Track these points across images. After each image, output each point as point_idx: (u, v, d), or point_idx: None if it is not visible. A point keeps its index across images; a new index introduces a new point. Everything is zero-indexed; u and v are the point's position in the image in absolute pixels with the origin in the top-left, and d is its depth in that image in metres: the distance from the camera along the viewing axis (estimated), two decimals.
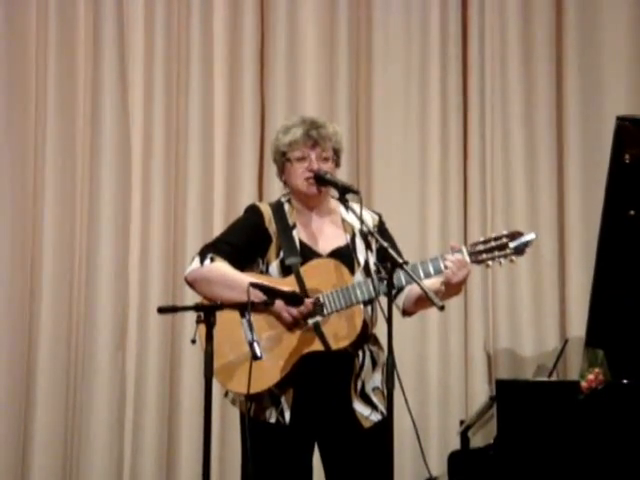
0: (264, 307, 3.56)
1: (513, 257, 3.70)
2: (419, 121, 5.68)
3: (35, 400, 5.43)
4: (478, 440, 4.52)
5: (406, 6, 5.74)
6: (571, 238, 5.59)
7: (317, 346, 3.65)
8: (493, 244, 3.70)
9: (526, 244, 3.70)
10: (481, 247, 3.70)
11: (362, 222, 3.68)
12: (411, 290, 3.79)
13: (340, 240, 3.80)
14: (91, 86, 5.60)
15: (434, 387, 5.52)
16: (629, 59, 5.68)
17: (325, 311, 3.64)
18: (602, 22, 5.69)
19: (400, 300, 3.82)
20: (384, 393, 3.61)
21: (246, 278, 3.61)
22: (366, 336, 3.73)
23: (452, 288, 3.69)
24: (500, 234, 3.72)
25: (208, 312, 3.45)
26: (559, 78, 5.70)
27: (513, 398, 4.11)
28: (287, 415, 3.69)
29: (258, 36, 5.70)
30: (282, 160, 3.81)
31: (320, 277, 3.68)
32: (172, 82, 5.66)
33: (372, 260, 3.77)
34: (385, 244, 3.59)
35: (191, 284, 3.78)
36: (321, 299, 3.65)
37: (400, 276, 3.61)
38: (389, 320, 3.40)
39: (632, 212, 4.45)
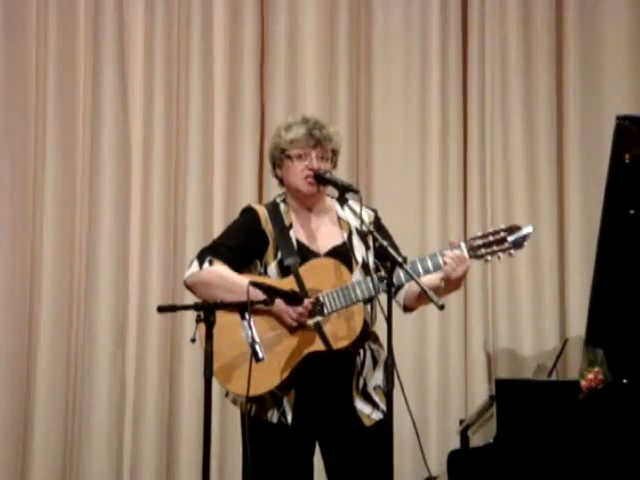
0: (264, 306, 3.55)
1: (512, 251, 3.69)
2: (419, 121, 5.68)
3: (35, 399, 5.43)
4: (478, 439, 4.52)
5: (406, 6, 5.74)
6: (571, 237, 5.59)
7: (318, 346, 3.64)
8: (491, 239, 3.69)
9: (524, 238, 3.69)
10: (479, 242, 3.69)
11: (362, 222, 3.68)
12: (411, 286, 3.77)
13: (337, 238, 3.79)
14: (91, 86, 5.61)
15: (434, 386, 5.52)
16: (629, 59, 5.68)
17: (325, 311, 3.64)
18: (602, 22, 5.70)
19: (400, 296, 3.81)
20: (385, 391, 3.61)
21: (245, 280, 3.59)
22: (366, 334, 3.73)
23: (451, 284, 3.69)
24: (498, 228, 3.71)
25: (208, 311, 3.44)
26: (559, 77, 5.71)
27: (513, 397, 4.11)
28: (289, 415, 3.69)
29: (258, 36, 5.71)
30: (280, 156, 3.79)
31: (319, 277, 3.67)
32: (172, 82, 5.67)
33: (371, 258, 3.77)
34: (385, 243, 3.59)
35: (190, 288, 3.76)
36: (321, 299, 3.64)
37: (400, 274, 3.61)
38: (389, 320, 3.39)
39: (632, 211, 4.45)
